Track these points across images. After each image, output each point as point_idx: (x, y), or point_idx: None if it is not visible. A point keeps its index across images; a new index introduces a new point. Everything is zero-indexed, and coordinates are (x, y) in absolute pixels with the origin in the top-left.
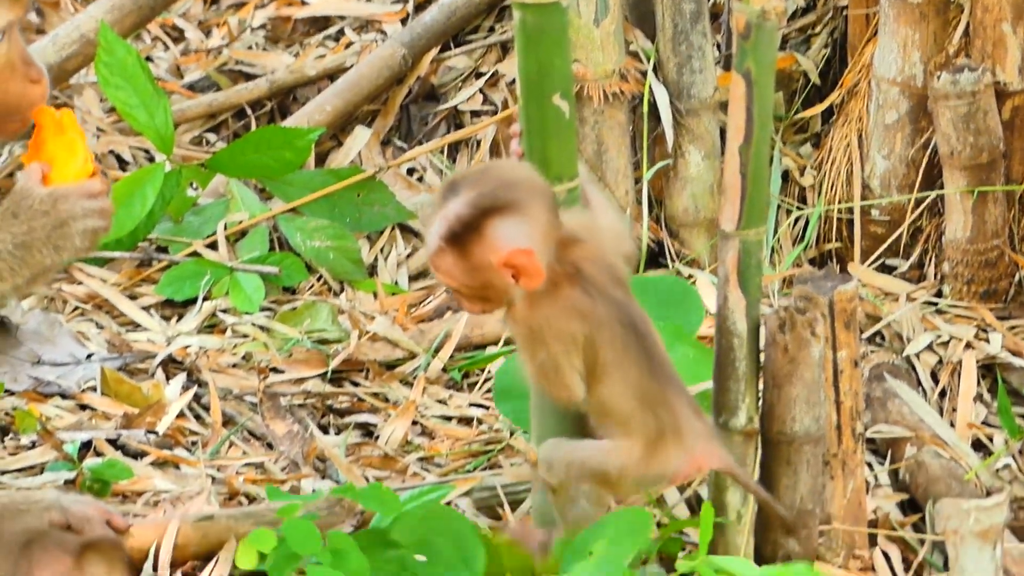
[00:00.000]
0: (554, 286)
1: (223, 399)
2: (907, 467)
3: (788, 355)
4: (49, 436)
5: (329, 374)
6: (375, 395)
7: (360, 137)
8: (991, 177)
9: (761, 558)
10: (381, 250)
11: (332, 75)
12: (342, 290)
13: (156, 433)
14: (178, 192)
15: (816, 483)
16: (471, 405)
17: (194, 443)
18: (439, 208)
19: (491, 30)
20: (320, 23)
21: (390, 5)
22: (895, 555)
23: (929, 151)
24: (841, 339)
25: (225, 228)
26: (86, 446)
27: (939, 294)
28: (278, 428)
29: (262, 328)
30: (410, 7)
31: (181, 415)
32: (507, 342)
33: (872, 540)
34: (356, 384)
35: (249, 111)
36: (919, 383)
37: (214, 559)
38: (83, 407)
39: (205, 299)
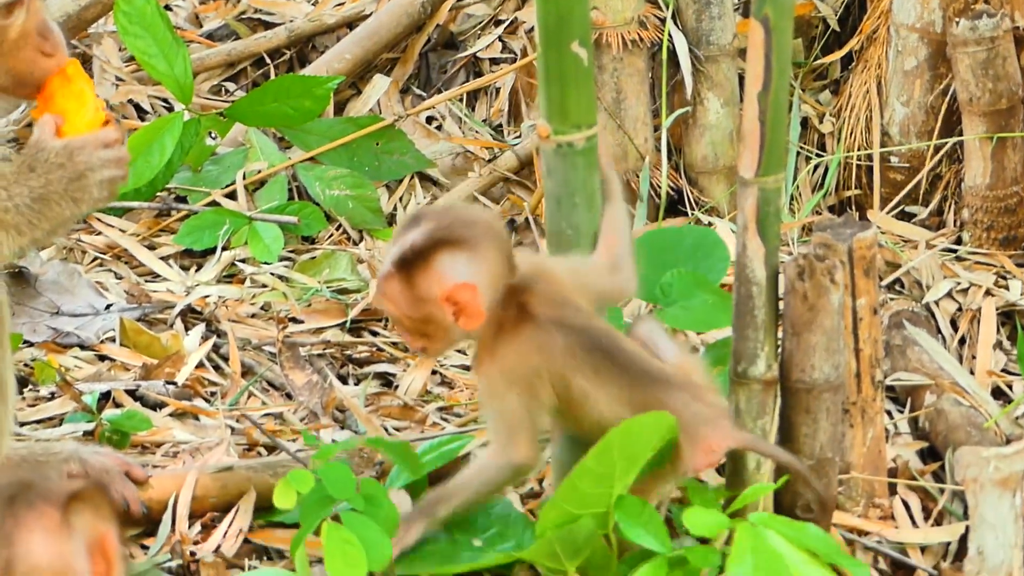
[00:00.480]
0: (504, 330)
1: (242, 349)
2: (927, 415)
3: (807, 303)
4: (68, 387)
5: (348, 324)
6: (394, 344)
7: (379, 85)
8: (1010, 123)
9: (781, 507)
10: (400, 199)
11: (351, 23)
12: (361, 239)
13: (175, 384)
14: (197, 141)
15: (835, 431)
16: None
17: (213, 393)
18: (399, 236)
19: None
20: None
21: None
22: (915, 503)
23: (948, 98)
24: (860, 286)
25: (244, 177)
26: (105, 397)
27: (958, 241)
28: (297, 378)
29: (281, 278)
30: None
31: (200, 365)
32: None
33: (892, 489)
34: (375, 334)
35: (268, 60)
36: (938, 331)
37: (233, 510)
38: (102, 358)
39: (224, 249)
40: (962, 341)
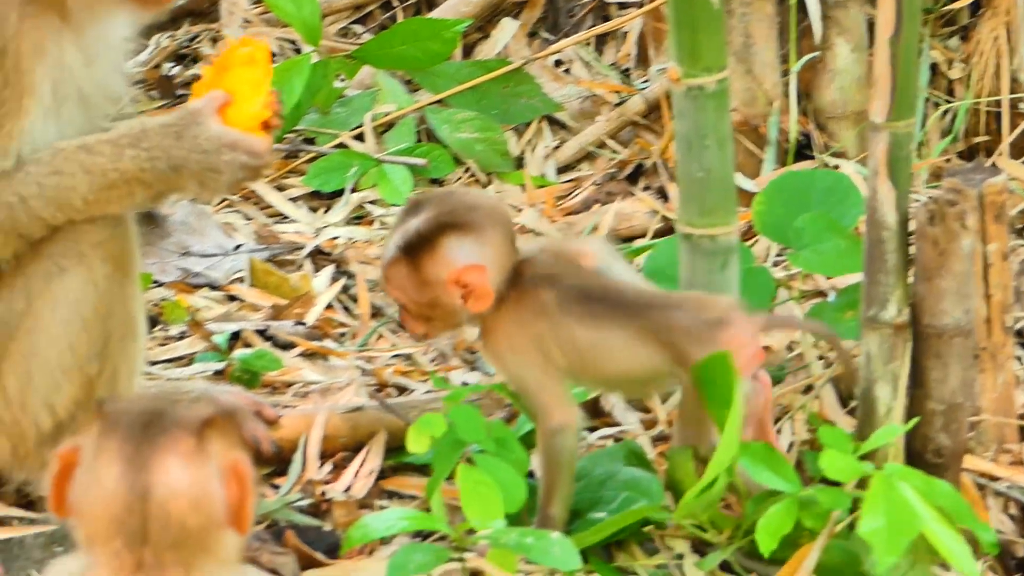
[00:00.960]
0: (509, 306)
1: (371, 291)
2: None
3: (938, 247)
4: (198, 327)
5: None
6: None
7: (507, 29)
8: None
9: (911, 453)
10: (528, 142)
11: None
12: (489, 182)
13: (304, 324)
14: (325, 84)
15: (966, 376)
16: None
17: (342, 334)
18: (401, 223)
19: None
20: None
21: None
22: None
23: None
24: (991, 232)
25: (372, 120)
26: (235, 337)
27: None
28: None
29: None
30: None
31: (329, 307)
32: (657, 234)
33: (1022, 433)
34: None
35: (396, 2)
36: None
37: (364, 450)
38: (231, 298)
39: (352, 191)
40: None
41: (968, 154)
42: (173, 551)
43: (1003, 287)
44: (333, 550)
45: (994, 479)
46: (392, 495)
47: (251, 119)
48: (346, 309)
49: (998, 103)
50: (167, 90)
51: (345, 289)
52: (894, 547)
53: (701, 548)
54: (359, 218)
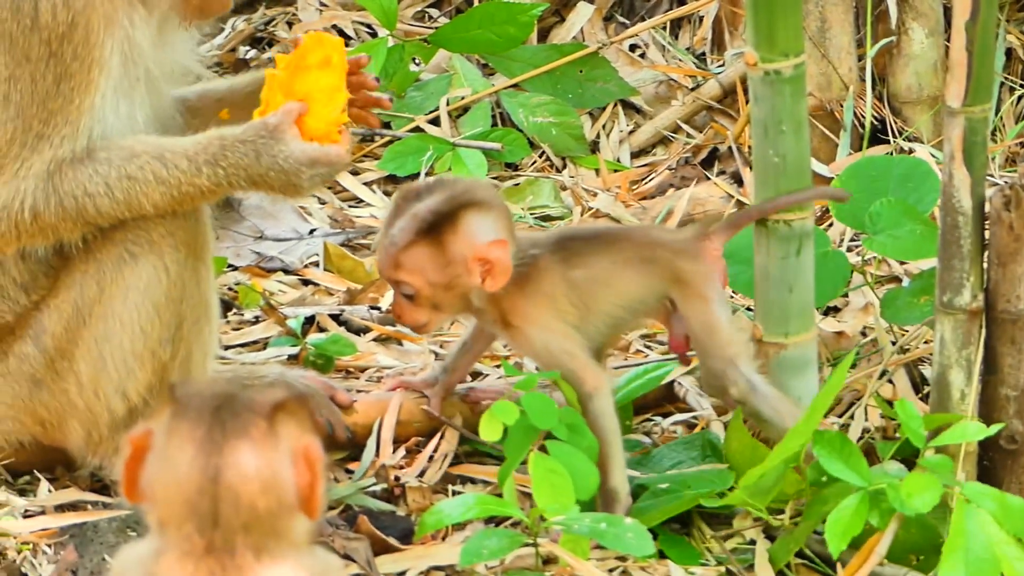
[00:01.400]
0: (515, 282)
1: None
2: None
3: (1013, 233)
4: (272, 311)
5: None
6: None
7: (583, 13)
8: None
9: (985, 440)
10: (603, 126)
11: None
12: (564, 166)
13: (379, 309)
14: (401, 67)
15: None
16: None
17: None
18: (400, 212)
19: None
20: None
21: None
22: None
23: None
24: None
25: (448, 104)
26: (309, 321)
27: None
28: None
29: None
30: None
31: None
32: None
33: None
34: None
35: None
36: None
37: (438, 435)
38: (306, 282)
39: (427, 175)
40: None
41: None
42: (243, 534)
43: None
44: (406, 535)
45: None
46: (465, 481)
47: (329, 127)
48: None
49: None
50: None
51: None
52: None
53: (773, 534)
54: None
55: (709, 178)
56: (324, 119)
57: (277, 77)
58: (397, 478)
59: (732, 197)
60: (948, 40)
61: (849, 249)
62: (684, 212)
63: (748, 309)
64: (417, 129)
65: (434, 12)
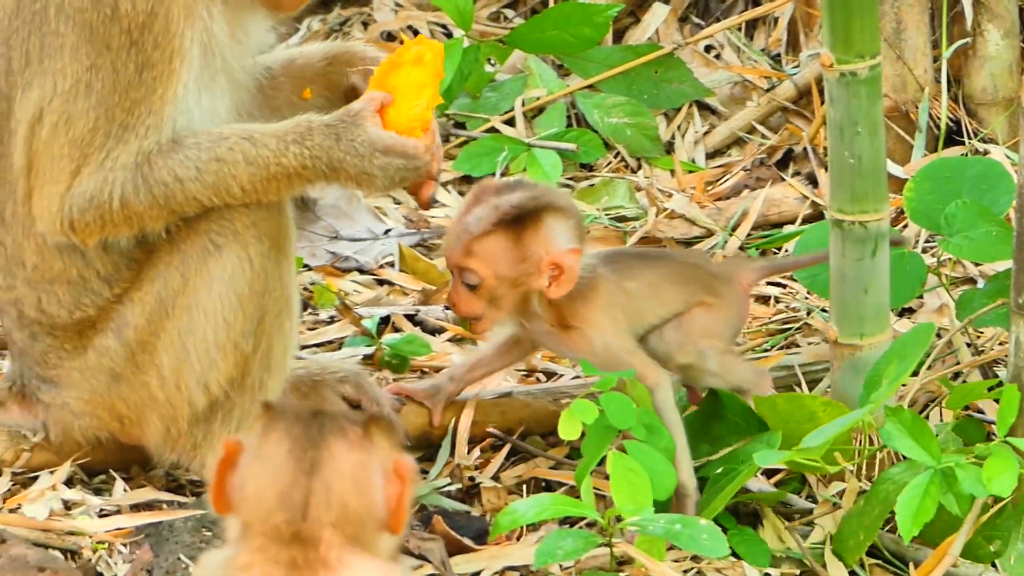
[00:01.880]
0: (578, 287)
1: None
2: None
3: None
4: (348, 311)
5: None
6: None
7: (658, 14)
8: None
9: None
10: (678, 127)
11: None
12: (639, 167)
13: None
14: (476, 68)
15: None
16: (769, 283)
17: None
18: (479, 202)
19: None
20: None
21: None
22: None
23: None
24: None
25: (523, 104)
26: (384, 321)
27: None
28: None
29: None
30: None
31: None
32: (806, 220)
33: None
34: None
35: None
36: None
37: (515, 435)
38: (380, 282)
39: (502, 175)
40: None
41: None
42: (330, 530)
43: None
44: (481, 535)
45: None
46: (540, 481)
47: (411, 120)
48: None
49: None
50: None
51: None
52: None
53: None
54: None
55: (784, 179)
56: (407, 113)
57: (375, 73)
58: (472, 478)
59: (807, 198)
60: (1023, 41)
61: (924, 250)
62: (759, 213)
63: (823, 310)
64: (492, 130)
65: (509, 12)
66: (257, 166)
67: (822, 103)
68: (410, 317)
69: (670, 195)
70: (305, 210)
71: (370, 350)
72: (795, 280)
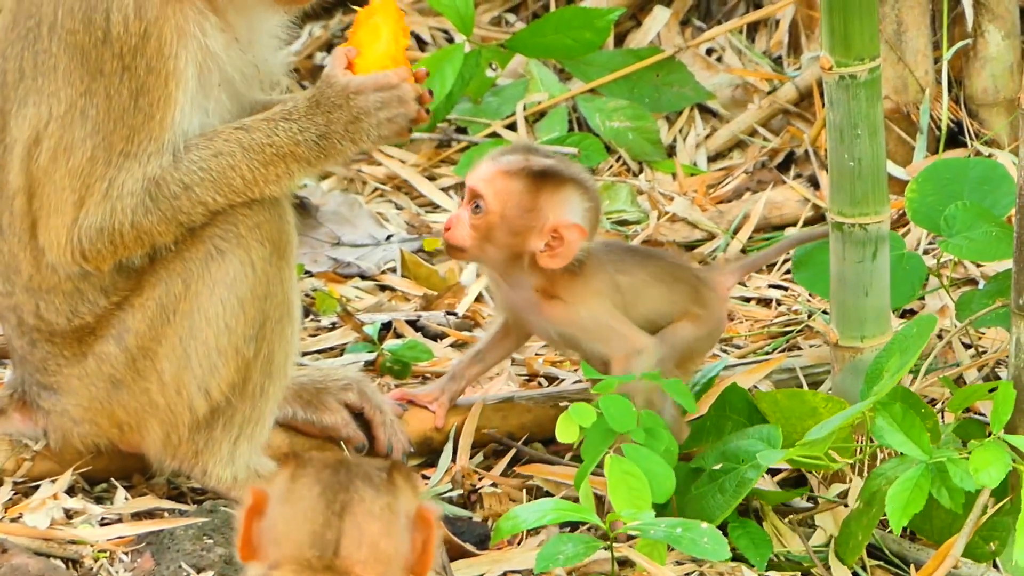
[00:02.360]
0: (572, 266)
1: None
2: None
3: None
4: (349, 317)
5: None
6: None
7: (659, 17)
8: None
9: None
10: (680, 131)
11: None
12: (641, 171)
13: (456, 315)
14: (477, 73)
15: None
16: (770, 286)
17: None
18: (516, 151)
19: None
20: None
21: None
22: None
23: None
24: None
25: (524, 109)
26: (386, 327)
27: None
28: None
29: None
30: None
31: (479, 297)
32: (808, 222)
33: None
34: None
35: None
36: None
37: (517, 440)
38: (382, 288)
39: None
40: None
41: None
42: (361, 566)
43: None
44: (483, 541)
45: None
46: (541, 485)
47: (377, 59)
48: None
49: None
50: None
51: None
52: None
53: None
54: None
55: (786, 182)
56: (372, 56)
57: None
58: (472, 485)
59: (808, 201)
60: None
61: (926, 252)
62: (760, 216)
63: (824, 313)
64: (494, 134)
65: (511, 17)
66: (253, 151)
67: (823, 105)
68: (412, 323)
69: (672, 198)
70: (307, 216)
71: (372, 356)
72: (797, 283)
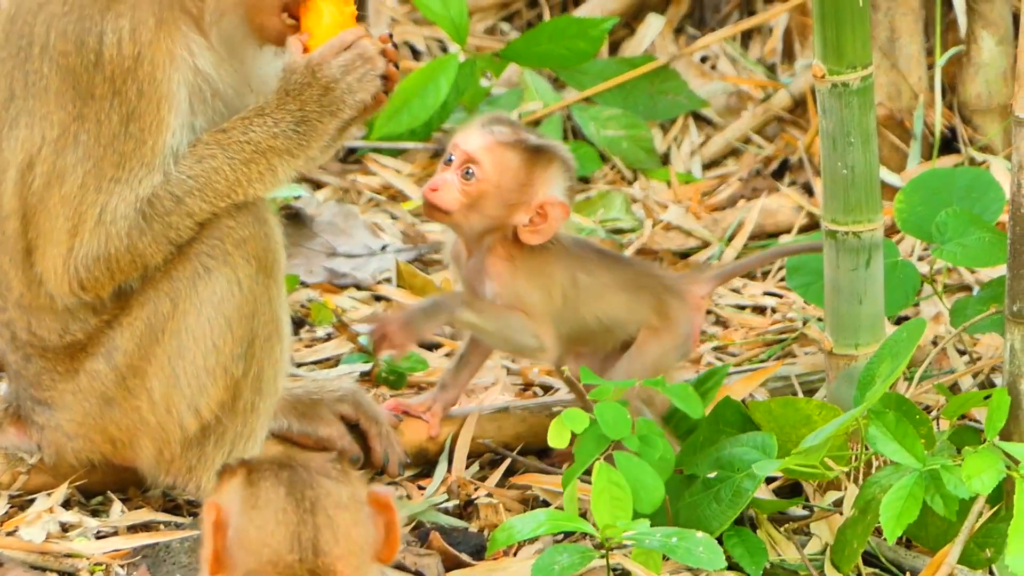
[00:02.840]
0: (536, 250)
1: None
2: None
3: None
4: (344, 328)
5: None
6: None
7: (653, 25)
8: None
9: None
10: (674, 138)
11: None
12: (635, 179)
13: (451, 325)
14: (472, 82)
15: None
16: (765, 294)
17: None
18: (502, 123)
19: None
20: None
21: None
22: None
23: None
24: None
25: (519, 118)
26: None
27: None
28: None
29: None
30: None
31: None
32: (802, 230)
33: None
34: None
35: (542, 0)
36: None
37: (512, 450)
38: (378, 298)
39: None
40: None
41: None
42: (342, 563)
43: None
44: (478, 551)
45: None
46: (537, 495)
47: (328, 31)
48: None
49: None
50: None
51: None
52: None
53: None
54: None
55: (780, 189)
56: (321, 31)
57: None
58: (468, 494)
59: (803, 208)
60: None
61: (920, 259)
62: (755, 223)
63: (819, 320)
64: None
65: (505, 26)
66: (232, 150)
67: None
68: None
69: (666, 207)
70: (302, 227)
71: (367, 367)
72: (791, 290)
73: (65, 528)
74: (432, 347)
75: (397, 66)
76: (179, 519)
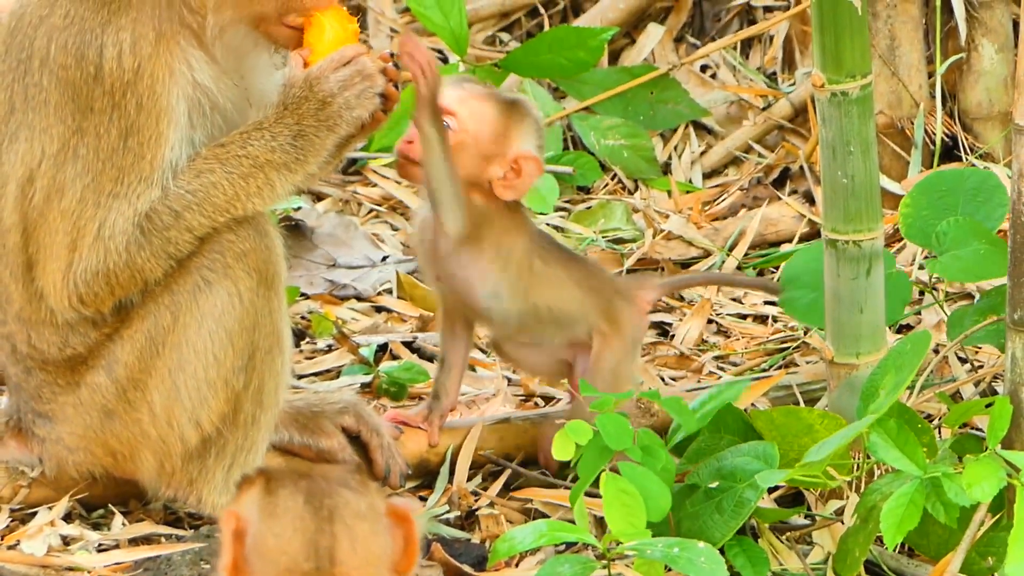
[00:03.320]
0: (510, 213)
1: None
2: None
3: None
4: (345, 340)
5: (624, 273)
6: (671, 295)
7: (653, 35)
8: None
9: None
10: (675, 148)
11: None
12: (636, 188)
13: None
14: None
15: None
16: (766, 303)
17: (490, 344)
18: (477, 81)
19: None
20: None
21: None
22: None
23: None
24: None
25: None
26: (382, 349)
27: None
28: None
29: (557, 228)
30: None
31: None
32: (803, 238)
33: None
34: None
35: (542, 10)
36: None
37: (513, 461)
38: (378, 309)
39: None
40: None
41: None
42: (359, 572)
43: None
44: (480, 562)
45: None
46: (539, 509)
47: (329, 46)
48: None
49: None
50: None
51: None
52: None
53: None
54: None
55: (781, 198)
56: (321, 48)
57: None
58: (470, 505)
59: (804, 216)
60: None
61: (921, 267)
62: (756, 232)
63: (821, 329)
64: None
65: (505, 36)
66: (230, 165)
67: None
68: (408, 344)
69: (667, 216)
70: (302, 238)
71: (368, 378)
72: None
73: (66, 541)
74: (433, 358)
75: (397, 86)
76: (180, 532)
